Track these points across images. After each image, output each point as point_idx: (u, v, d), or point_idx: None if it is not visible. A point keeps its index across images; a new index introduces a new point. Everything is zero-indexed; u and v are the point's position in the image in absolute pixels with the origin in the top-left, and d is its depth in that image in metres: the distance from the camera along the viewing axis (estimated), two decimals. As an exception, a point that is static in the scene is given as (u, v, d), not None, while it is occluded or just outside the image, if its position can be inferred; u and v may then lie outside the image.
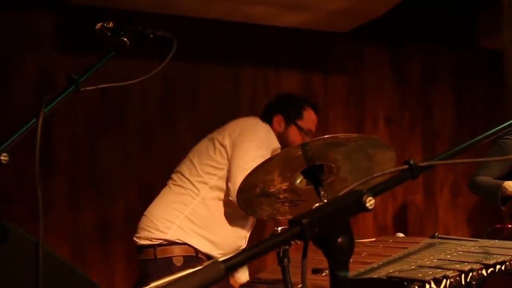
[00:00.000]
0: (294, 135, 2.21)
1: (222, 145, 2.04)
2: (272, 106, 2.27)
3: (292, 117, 2.21)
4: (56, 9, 2.84)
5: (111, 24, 1.38)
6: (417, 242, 1.84)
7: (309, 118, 2.26)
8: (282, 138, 2.19)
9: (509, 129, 2.48)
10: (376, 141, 1.23)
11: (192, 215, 1.98)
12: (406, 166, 0.84)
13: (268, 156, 1.88)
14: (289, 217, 1.37)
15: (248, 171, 1.65)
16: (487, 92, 3.82)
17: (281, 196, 1.26)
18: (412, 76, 3.77)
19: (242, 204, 1.29)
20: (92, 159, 2.88)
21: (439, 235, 1.81)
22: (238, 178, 1.76)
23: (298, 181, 1.22)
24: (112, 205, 2.89)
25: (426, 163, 0.85)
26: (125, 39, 1.32)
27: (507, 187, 2.34)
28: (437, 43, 3.79)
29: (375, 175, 0.81)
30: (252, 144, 2.00)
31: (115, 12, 2.80)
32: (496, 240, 1.68)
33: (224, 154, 2.02)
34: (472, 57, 3.86)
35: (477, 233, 3.67)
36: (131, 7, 2.84)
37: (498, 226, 2.82)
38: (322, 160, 1.19)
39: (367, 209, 0.73)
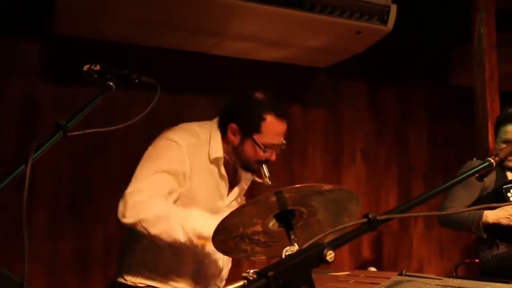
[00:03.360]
0: (251, 151, 1.80)
1: None
2: (228, 111, 1.89)
3: (248, 130, 1.79)
4: (43, 38, 2.90)
5: (98, 67, 1.46)
6: (387, 278, 1.92)
7: (271, 131, 1.79)
8: (237, 152, 1.83)
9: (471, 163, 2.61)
10: (346, 192, 1.32)
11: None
12: (365, 220, 0.93)
13: (165, 173, 1.72)
14: (263, 257, 1.44)
15: (143, 190, 1.63)
16: (459, 128, 3.98)
17: (255, 238, 1.33)
18: (388, 111, 3.92)
19: (218, 245, 1.36)
20: (74, 187, 2.91)
21: (406, 273, 1.90)
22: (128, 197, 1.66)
23: (271, 224, 1.30)
24: (91, 233, 2.92)
25: (384, 217, 0.94)
26: (112, 84, 1.39)
27: (489, 215, 2.50)
28: (412, 80, 3.95)
29: (336, 228, 0.90)
30: (149, 160, 1.79)
31: (100, 44, 2.89)
32: (459, 280, 1.77)
33: None
34: (445, 94, 4.03)
35: (449, 265, 3.78)
36: (117, 39, 2.92)
37: (467, 260, 2.93)
38: (294, 205, 1.27)
39: (327, 262, 0.81)
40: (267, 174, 1.82)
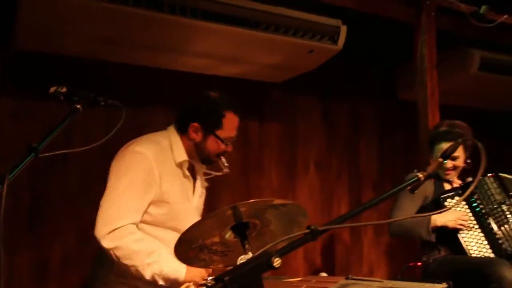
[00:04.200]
0: (213, 145, 2.03)
1: None
2: (187, 112, 2.06)
3: (210, 127, 2.01)
4: (2, 53, 2.93)
5: (64, 89, 1.55)
6: (335, 282, 2.10)
7: (230, 125, 2.04)
8: (199, 148, 2.04)
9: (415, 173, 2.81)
10: (296, 206, 1.49)
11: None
12: (308, 231, 1.08)
13: (137, 183, 1.87)
14: (220, 265, 1.58)
15: (122, 212, 1.79)
16: (406, 141, 4.25)
17: (213, 248, 1.47)
18: (340, 124, 4.14)
19: (180, 255, 1.49)
20: (32, 202, 2.93)
21: (352, 276, 2.08)
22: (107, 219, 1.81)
23: (228, 235, 1.44)
24: (49, 248, 2.94)
25: (324, 228, 1.11)
26: (79, 106, 1.50)
27: (437, 219, 2.68)
28: (363, 95, 4.20)
29: (283, 238, 1.05)
30: (119, 175, 1.91)
31: (61, 59, 2.94)
32: (398, 281, 1.97)
33: None
34: (393, 108, 4.30)
35: (397, 269, 4.02)
36: (77, 54, 2.97)
37: (411, 264, 3.17)
38: (248, 218, 1.42)
39: (274, 268, 0.96)
40: (226, 164, 2.08)
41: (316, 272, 3.88)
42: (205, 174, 2.23)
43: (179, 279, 1.85)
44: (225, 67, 3.40)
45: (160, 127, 3.40)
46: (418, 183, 1.46)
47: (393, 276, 3.90)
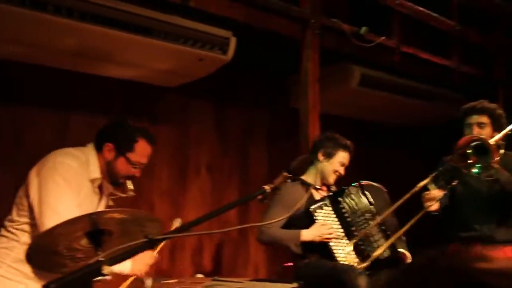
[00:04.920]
0: (122, 167, 2.20)
1: (27, 189, 2.07)
2: (104, 133, 2.25)
3: (122, 149, 2.19)
4: None
5: None
6: (202, 283, 2.26)
7: (141, 151, 2.23)
8: (110, 166, 2.20)
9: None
10: (147, 215, 1.60)
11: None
12: (146, 240, 1.21)
13: (71, 192, 2.04)
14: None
15: (60, 214, 1.86)
16: (295, 147, 4.52)
17: (72, 254, 1.54)
18: (232, 129, 4.31)
19: (37, 263, 1.54)
20: None
21: (218, 278, 2.25)
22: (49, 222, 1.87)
23: (83, 241, 1.52)
24: None
25: (161, 237, 1.24)
26: None
27: (305, 234, 2.87)
28: (255, 103, 4.40)
29: (120, 246, 1.16)
30: (54, 184, 2.03)
31: None
32: (257, 282, 2.17)
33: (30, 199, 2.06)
34: (284, 115, 4.54)
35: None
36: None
37: (286, 264, 3.41)
38: (103, 226, 1.51)
39: (104, 275, 1.07)
40: (131, 188, 2.27)
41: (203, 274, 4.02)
42: (111, 194, 2.37)
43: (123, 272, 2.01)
44: (117, 70, 3.43)
45: (45, 129, 3.37)
46: (265, 194, 1.64)
47: (277, 277, 4.13)
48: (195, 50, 3.24)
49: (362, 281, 2.66)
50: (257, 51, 3.99)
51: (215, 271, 4.08)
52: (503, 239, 3.04)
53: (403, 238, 3.09)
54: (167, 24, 3.08)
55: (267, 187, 1.61)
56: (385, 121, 5.02)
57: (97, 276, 1.05)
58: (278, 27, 3.58)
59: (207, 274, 3.25)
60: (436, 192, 2.90)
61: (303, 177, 3.12)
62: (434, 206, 2.95)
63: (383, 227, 2.99)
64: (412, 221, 2.92)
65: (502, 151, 3.00)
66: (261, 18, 3.48)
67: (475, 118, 3.04)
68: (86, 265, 1.06)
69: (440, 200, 2.95)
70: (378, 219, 2.96)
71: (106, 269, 1.05)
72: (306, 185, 3.07)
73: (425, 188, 2.92)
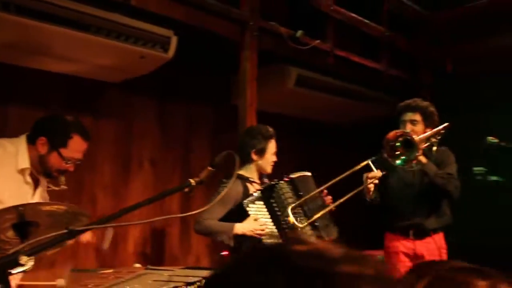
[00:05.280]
0: (55, 161, 2.18)
1: None
2: (39, 126, 2.22)
3: (56, 144, 2.17)
4: None
5: None
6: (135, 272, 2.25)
7: (75, 147, 2.23)
8: (43, 160, 2.18)
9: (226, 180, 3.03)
10: (75, 208, 1.59)
11: None
12: (66, 231, 1.20)
13: None
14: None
15: None
16: (235, 141, 4.55)
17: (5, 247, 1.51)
18: (176, 125, 4.29)
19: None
20: None
21: (150, 267, 2.25)
22: None
23: (9, 233, 1.49)
24: None
25: (82, 228, 1.23)
26: None
27: (238, 227, 2.87)
28: (199, 99, 4.40)
29: (39, 238, 1.15)
30: None
31: None
32: (187, 269, 2.19)
33: None
34: (226, 112, 4.57)
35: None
36: None
37: (223, 253, 3.44)
38: (31, 218, 1.48)
39: (22, 265, 1.06)
40: (63, 182, 2.25)
41: (145, 264, 3.99)
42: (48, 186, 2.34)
43: None
44: (58, 65, 3.33)
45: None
46: (190, 187, 1.66)
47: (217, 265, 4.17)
48: (136, 47, 3.20)
49: None
50: (199, 50, 3.99)
51: (158, 262, 4.06)
52: (433, 227, 3.24)
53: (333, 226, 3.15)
54: (108, 22, 3.02)
55: (192, 181, 1.63)
56: (321, 119, 5.16)
57: (14, 267, 1.03)
58: (218, 28, 3.59)
59: (150, 264, 3.24)
60: (376, 172, 3.02)
61: (242, 172, 3.14)
62: (371, 194, 3.10)
63: (311, 219, 2.96)
64: (348, 195, 2.97)
65: (435, 148, 3.18)
66: (201, 18, 3.47)
67: (409, 116, 3.20)
68: (5, 256, 1.04)
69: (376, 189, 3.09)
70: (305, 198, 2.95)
71: (24, 259, 1.04)
72: (243, 180, 3.09)
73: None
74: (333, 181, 3.00)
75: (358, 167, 3.05)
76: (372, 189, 3.11)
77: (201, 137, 4.45)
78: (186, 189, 1.61)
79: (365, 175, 3.10)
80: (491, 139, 3.54)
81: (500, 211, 4.40)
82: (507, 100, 4.76)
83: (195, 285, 1.85)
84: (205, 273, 2.02)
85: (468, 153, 3.45)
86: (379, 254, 3.74)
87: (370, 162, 3.03)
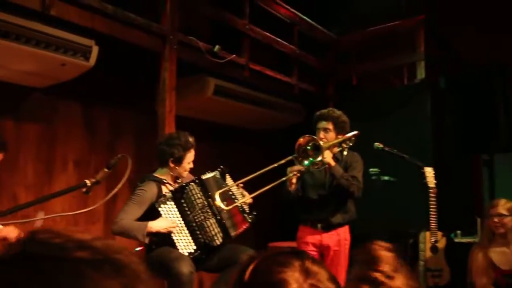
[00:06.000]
0: None
1: None
2: None
3: None
4: None
5: None
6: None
7: None
8: None
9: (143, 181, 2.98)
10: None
11: None
12: None
13: None
14: None
15: None
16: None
17: None
18: (101, 129, 4.18)
19: None
20: None
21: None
22: None
23: None
24: None
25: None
26: None
27: (153, 225, 2.82)
28: (124, 105, 4.32)
29: None
30: None
31: None
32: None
33: None
34: (151, 117, 4.52)
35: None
36: None
37: (138, 248, 3.39)
38: None
39: None
40: None
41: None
42: None
43: None
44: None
45: None
46: (86, 187, 1.65)
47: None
48: (57, 55, 3.10)
49: (186, 268, 2.66)
50: (124, 59, 3.93)
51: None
52: (338, 222, 3.39)
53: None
54: (27, 30, 2.90)
55: (87, 181, 1.63)
56: (239, 125, 5.25)
57: None
58: (139, 41, 3.56)
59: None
60: (299, 166, 3.12)
61: (157, 174, 3.09)
62: (293, 186, 3.19)
63: (218, 217, 3.00)
64: (270, 185, 3.02)
65: (345, 152, 3.38)
66: (123, 31, 3.43)
67: (322, 124, 3.34)
68: None
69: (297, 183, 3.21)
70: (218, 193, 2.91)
71: None
72: (158, 182, 3.04)
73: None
74: (258, 173, 3.03)
75: (283, 161, 3.14)
76: (294, 181, 3.19)
77: (125, 141, 4.37)
78: (84, 189, 1.59)
79: (289, 168, 3.19)
80: (377, 144, 3.80)
81: (391, 204, 4.69)
82: (397, 110, 5.10)
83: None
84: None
85: (365, 156, 3.66)
86: (293, 244, 3.88)
87: (294, 158, 3.12)
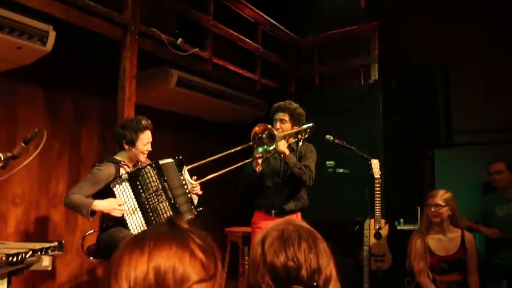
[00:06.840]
0: None
1: None
2: None
3: None
4: None
5: None
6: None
7: None
8: None
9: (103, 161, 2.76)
10: None
11: None
12: None
13: None
14: None
15: None
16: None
17: None
18: (64, 113, 3.90)
19: None
20: None
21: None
22: None
23: None
24: None
25: None
26: None
27: (97, 204, 2.65)
28: (87, 90, 4.03)
29: None
30: None
31: None
32: (20, 243, 1.94)
33: None
34: (114, 104, 4.22)
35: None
36: None
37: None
38: None
39: None
40: None
41: (27, 240, 3.57)
42: None
43: None
44: None
45: None
46: (1, 161, 1.43)
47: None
48: (11, 38, 2.81)
49: None
50: (87, 46, 3.66)
51: (43, 237, 3.67)
52: (291, 209, 3.25)
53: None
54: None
55: (1, 155, 1.40)
56: (202, 116, 5.04)
57: None
58: (101, 29, 3.30)
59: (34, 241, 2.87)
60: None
61: (116, 157, 2.94)
62: (258, 166, 3.12)
63: (172, 201, 2.84)
64: (235, 166, 2.99)
65: (300, 143, 3.26)
66: (83, 18, 3.16)
67: (279, 115, 3.23)
68: None
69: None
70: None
71: None
72: (116, 163, 2.88)
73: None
74: (213, 157, 3.00)
75: (239, 148, 3.10)
76: (260, 162, 3.13)
77: (89, 127, 4.10)
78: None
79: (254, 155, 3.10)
80: (328, 137, 3.67)
81: (341, 194, 4.58)
82: (354, 108, 4.98)
83: (17, 257, 1.61)
84: (34, 245, 1.77)
85: (323, 150, 3.54)
86: (248, 229, 3.72)
87: (249, 145, 3.04)
